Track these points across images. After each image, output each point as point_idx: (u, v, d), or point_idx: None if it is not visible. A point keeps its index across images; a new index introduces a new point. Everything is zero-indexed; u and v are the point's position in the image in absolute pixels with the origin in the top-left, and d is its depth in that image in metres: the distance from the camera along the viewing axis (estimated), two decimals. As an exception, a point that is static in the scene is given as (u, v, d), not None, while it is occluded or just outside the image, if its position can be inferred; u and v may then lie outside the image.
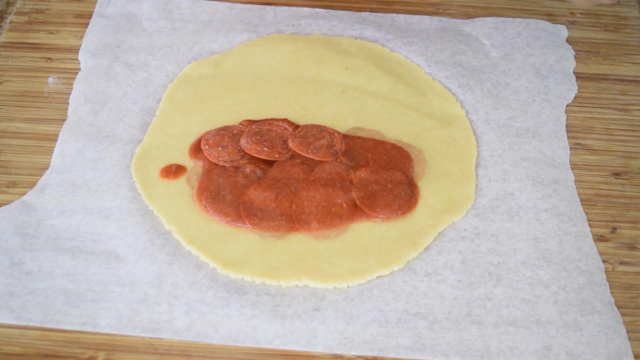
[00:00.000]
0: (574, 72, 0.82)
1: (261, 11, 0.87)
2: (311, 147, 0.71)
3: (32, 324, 0.59)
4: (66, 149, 0.72)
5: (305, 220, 0.66)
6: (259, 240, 0.65)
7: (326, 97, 0.78)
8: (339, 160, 0.71)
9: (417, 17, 0.88)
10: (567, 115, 0.78)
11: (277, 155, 0.71)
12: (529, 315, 0.61)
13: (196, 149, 0.72)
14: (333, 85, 0.79)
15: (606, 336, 0.60)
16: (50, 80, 0.79)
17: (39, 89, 0.78)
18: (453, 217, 0.68)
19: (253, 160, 0.71)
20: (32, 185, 0.69)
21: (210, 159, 0.70)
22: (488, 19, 0.88)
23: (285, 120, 0.74)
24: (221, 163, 0.70)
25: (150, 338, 0.59)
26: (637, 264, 0.66)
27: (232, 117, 0.75)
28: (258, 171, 0.70)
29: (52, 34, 0.84)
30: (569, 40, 0.86)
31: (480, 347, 0.59)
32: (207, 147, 0.71)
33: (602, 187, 0.72)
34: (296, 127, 0.74)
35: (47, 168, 0.70)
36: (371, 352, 0.59)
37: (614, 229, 0.68)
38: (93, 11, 0.86)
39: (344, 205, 0.67)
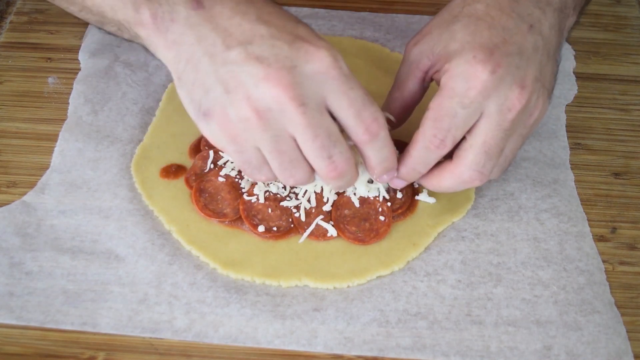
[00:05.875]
0: (574, 72, 0.82)
1: (261, 11, 0.87)
2: None
3: (32, 324, 0.59)
4: (66, 149, 0.72)
5: (305, 220, 0.66)
6: (259, 240, 0.65)
7: (326, 97, 0.78)
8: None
9: (417, 17, 0.88)
10: (567, 115, 0.78)
11: (277, 155, 0.71)
12: (529, 315, 0.61)
13: (196, 149, 0.72)
14: (333, 85, 0.79)
15: (606, 336, 0.60)
16: (50, 80, 0.79)
17: (39, 89, 0.78)
18: (453, 217, 0.68)
19: (253, 160, 0.71)
20: (32, 185, 0.69)
21: (210, 159, 0.70)
22: (488, 19, 0.87)
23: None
24: (221, 163, 0.70)
25: (150, 338, 0.59)
26: (637, 264, 0.66)
27: (232, 117, 0.75)
28: (258, 171, 0.70)
29: (52, 34, 0.84)
30: (569, 40, 0.86)
31: (480, 347, 0.59)
32: (206, 147, 0.71)
33: (602, 187, 0.72)
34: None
35: (47, 168, 0.70)
36: (371, 352, 0.59)
37: (614, 229, 0.68)
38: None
39: (344, 205, 0.67)
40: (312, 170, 0.56)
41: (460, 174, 0.58)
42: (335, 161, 0.54)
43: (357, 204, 0.66)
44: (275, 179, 0.58)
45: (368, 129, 0.54)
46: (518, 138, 0.59)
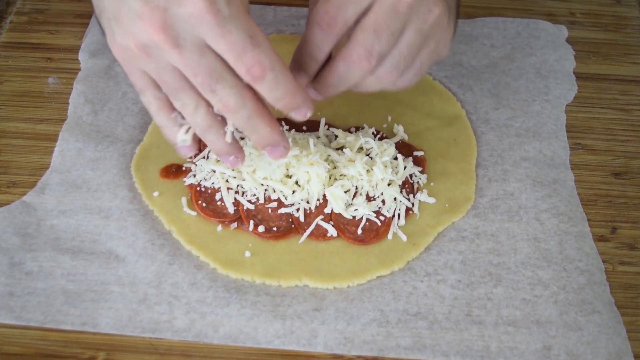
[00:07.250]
0: (574, 72, 0.82)
1: (261, 11, 0.87)
2: None
3: (32, 324, 0.59)
4: (66, 149, 0.72)
5: (305, 220, 0.66)
6: (259, 240, 0.65)
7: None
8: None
9: (417, 17, 0.88)
10: (567, 115, 0.78)
11: (277, 155, 0.71)
12: (529, 315, 0.61)
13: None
14: (333, 85, 0.79)
15: (606, 336, 0.60)
16: (50, 80, 0.79)
17: (39, 89, 0.78)
18: (453, 217, 0.68)
19: (253, 160, 0.71)
20: (32, 185, 0.69)
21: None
22: (488, 19, 0.88)
23: (285, 119, 0.74)
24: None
25: (150, 338, 0.59)
26: (637, 264, 0.66)
27: (232, 117, 0.75)
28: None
29: (52, 34, 0.84)
30: (569, 40, 0.86)
31: (480, 347, 0.59)
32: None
33: (602, 187, 0.72)
34: (294, 125, 0.74)
35: (47, 168, 0.70)
36: (371, 352, 0.59)
37: (614, 229, 0.68)
38: (93, 11, 0.86)
39: (344, 205, 0.67)
40: (202, 98, 0.55)
41: (349, 55, 0.56)
42: (219, 94, 0.53)
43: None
44: (160, 106, 0.58)
45: (250, 71, 0.53)
46: (416, 33, 0.56)
